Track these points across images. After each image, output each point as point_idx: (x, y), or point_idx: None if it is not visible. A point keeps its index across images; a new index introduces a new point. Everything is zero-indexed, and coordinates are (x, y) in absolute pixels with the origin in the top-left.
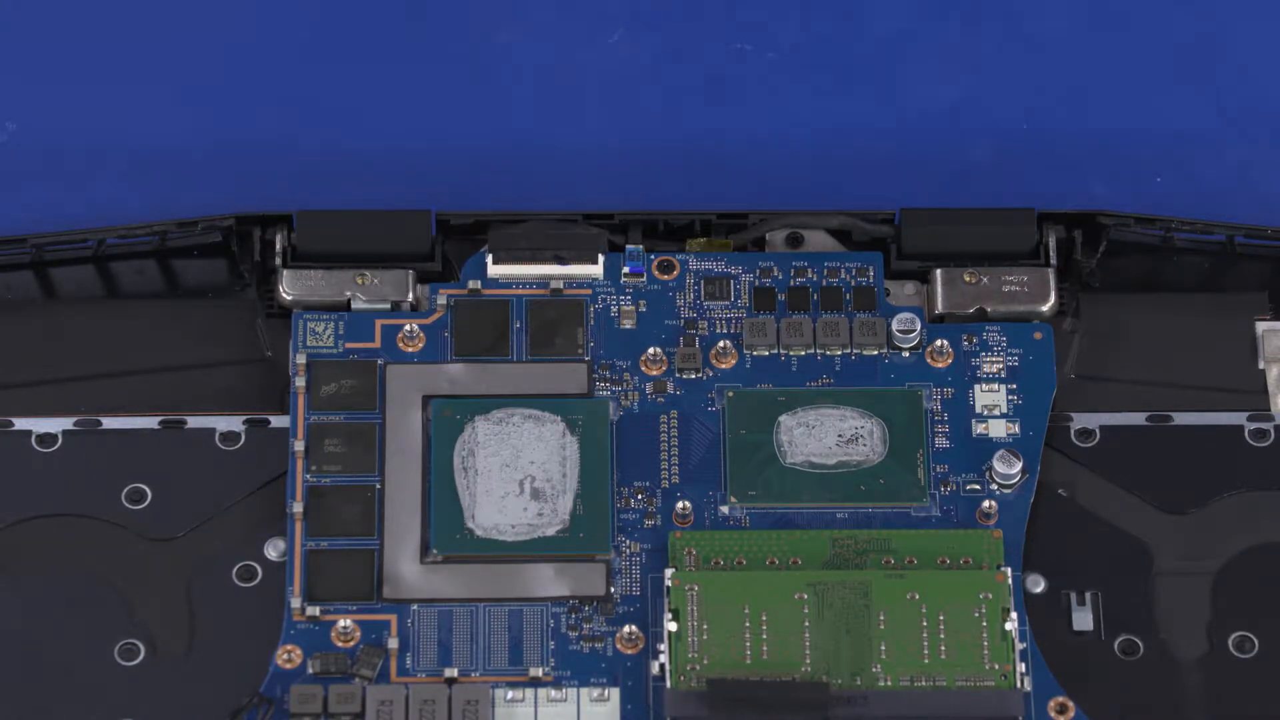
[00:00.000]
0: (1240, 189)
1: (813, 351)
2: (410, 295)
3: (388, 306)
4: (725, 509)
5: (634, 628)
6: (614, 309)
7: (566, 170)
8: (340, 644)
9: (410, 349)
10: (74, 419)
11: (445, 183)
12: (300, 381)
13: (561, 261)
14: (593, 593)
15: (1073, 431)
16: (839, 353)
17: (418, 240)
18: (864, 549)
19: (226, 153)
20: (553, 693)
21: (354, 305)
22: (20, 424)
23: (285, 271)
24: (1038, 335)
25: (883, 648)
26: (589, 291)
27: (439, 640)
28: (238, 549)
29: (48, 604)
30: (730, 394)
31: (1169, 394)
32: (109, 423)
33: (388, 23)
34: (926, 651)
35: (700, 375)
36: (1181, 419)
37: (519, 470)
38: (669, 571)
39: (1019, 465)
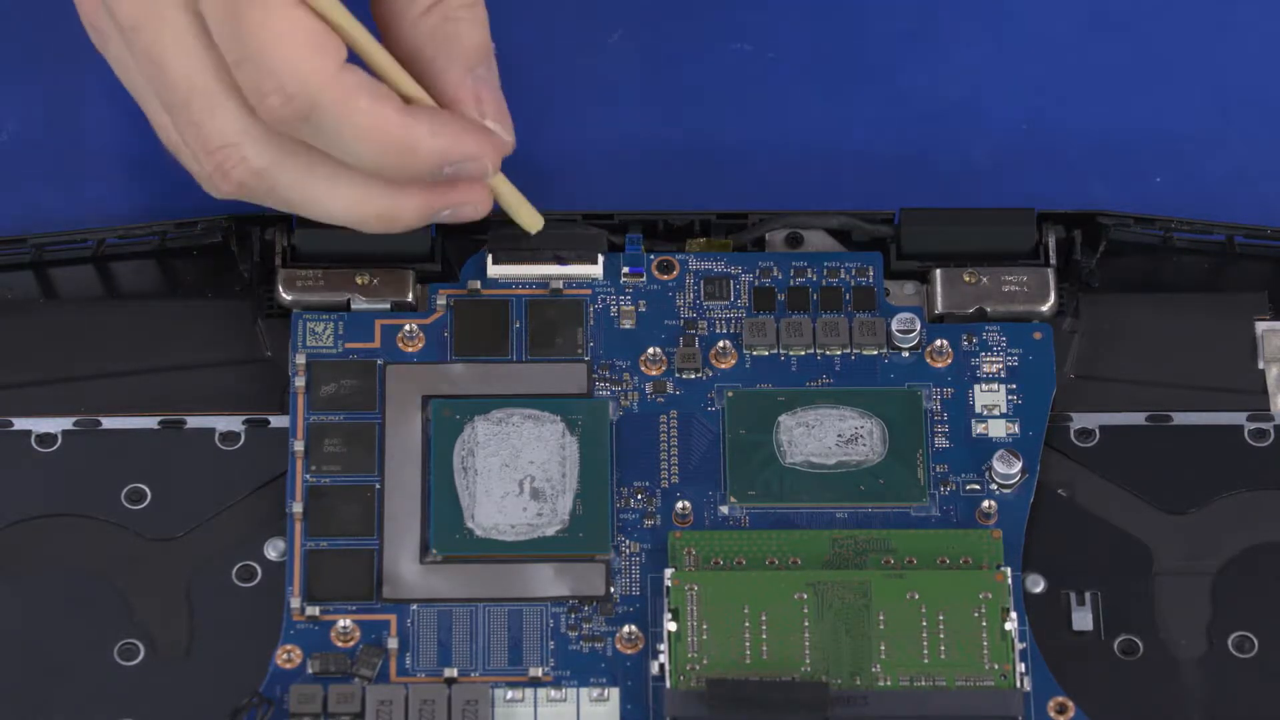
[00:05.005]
0: (1240, 189)
1: (812, 351)
2: (410, 295)
3: (387, 306)
4: (725, 509)
5: (634, 628)
6: (614, 309)
7: (566, 170)
8: (340, 644)
9: (410, 349)
10: (74, 419)
11: None
12: (300, 381)
13: (561, 261)
14: (592, 593)
15: (1073, 431)
16: (839, 353)
17: (417, 240)
18: (864, 549)
19: None
20: (552, 693)
21: (353, 305)
22: (20, 424)
23: (285, 272)
24: (1037, 335)
25: (882, 648)
26: (589, 291)
27: (439, 640)
28: (238, 549)
29: (48, 604)
30: (730, 394)
31: (1169, 394)
32: (109, 423)
33: None
34: (926, 651)
35: (700, 375)
36: (1181, 419)
37: (519, 470)
38: (669, 571)
39: (1019, 465)
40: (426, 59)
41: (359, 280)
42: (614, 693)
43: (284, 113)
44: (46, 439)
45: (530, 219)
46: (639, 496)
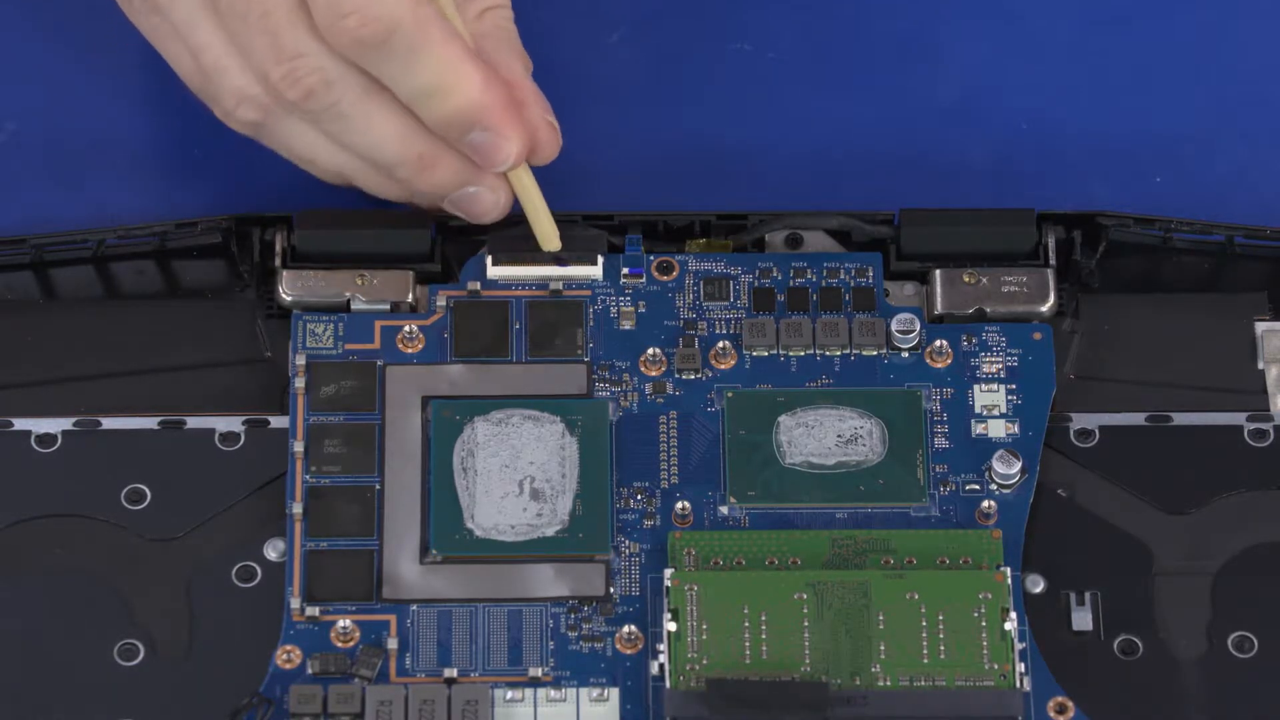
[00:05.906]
0: (1240, 189)
1: (812, 352)
2: (410, 296)
3: (387, 307)
4: (724, 509)
5: (633, 628)
6: (613, 310)
7: (566, 170)
8: (340, 644)
9: (410, 350)
10: (74, 419)
11: None
12: (300, 382)
13: (561, 262)
14: (592, 593)
15: (1072, 431)
16: (838, 353)
17: (417, 241)
18: (863, 549)
19: (226, 153)
20: (552, 693)
21: (353, 306)
22: (20, 424)
23: (285, 272)
24: (1037, 336)
25: (882, 648)
26: (588, 292)
27: (438, 640)
28: (237, 549)
29: (48, 604)
30: (730, 394)
31: (1169, 394)
32: (108, 423)
33: None
34: (926, 651)
35: (700, 376)
36: (1181, 419)
37: (518, 471)
38: (668, 571)
39: (1018, 465)
40: (487, 51)
41: (359, 281)
42: (614, 693)
43: (362, 33)
44: (46, 439)
45: (548, 232)
46: (639, 497)
